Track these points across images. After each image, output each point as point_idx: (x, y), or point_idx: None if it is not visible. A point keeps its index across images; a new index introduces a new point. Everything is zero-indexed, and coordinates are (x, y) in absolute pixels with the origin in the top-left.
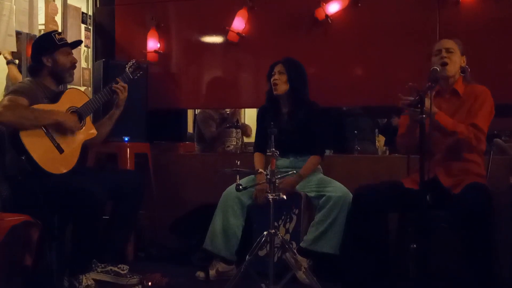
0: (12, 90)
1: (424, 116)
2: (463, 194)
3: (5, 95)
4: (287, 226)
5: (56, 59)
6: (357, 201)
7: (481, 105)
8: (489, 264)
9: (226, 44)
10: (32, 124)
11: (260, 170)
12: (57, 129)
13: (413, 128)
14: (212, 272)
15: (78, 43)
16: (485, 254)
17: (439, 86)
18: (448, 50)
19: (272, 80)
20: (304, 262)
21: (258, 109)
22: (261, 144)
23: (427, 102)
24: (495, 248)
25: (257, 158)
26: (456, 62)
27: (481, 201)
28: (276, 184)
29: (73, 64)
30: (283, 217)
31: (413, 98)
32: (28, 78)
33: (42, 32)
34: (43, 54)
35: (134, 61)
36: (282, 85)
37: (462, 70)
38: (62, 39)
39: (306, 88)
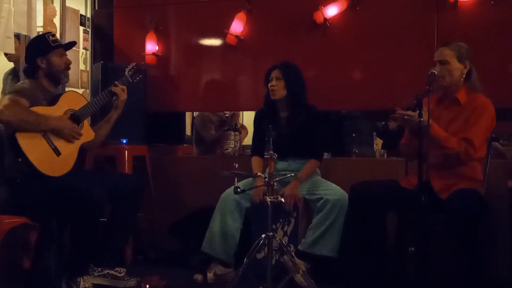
0: (13, 90)
1: (422, 119)
2: (450, 200)
3: (5, 94)
4: (285, 229)
5: (50, 61)
6: (354, 198)
7: (478, 118)
8: (477, 267)
9: (225, 47)
10: (32, 127)
11: (259, 174)
12: (55, 133)
13: (412, 137)
14: (210, 275)
15: (72, 44)
16: (473, 258)
17: (443, 93)
18: (441, 62)
19: (269, 85)
20: (302, 265)
21: (255, 112)
22: (258, 147)
23: (425, 114)
24: (488, 251)
25: (255, 161)
26: (452, 72)
27: (469, 208)
28: (280, 199)
29: (68, 65)
30: (281, 220)
31: (411, 102)
32: (27, 80)
33: None
34: (38, 56)
35: (133, 65)
36: (280, 91)
37: (467, 77)
38: (56, 41)
39: (304, 91)
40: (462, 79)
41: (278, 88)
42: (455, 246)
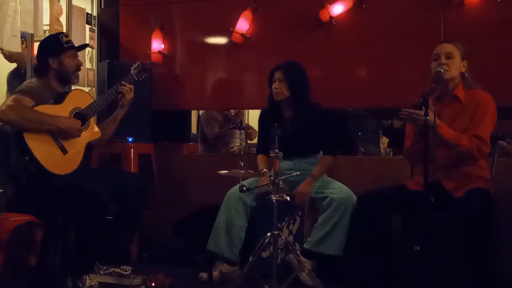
0: (19, 89)
1: (428, 118)
2: (465, 199)
3: (11, 94)
4: (290, 227)
5: (62, 61)
6: (362, 207)
7: (484, 113)
8: (489, 267)
9: (230, 45)
10: (34, 127)
11: (264, 170)
12: (60, 133)
13: (417, 141)
14: (215, 273)
15: (84, 46)
16: (485, 257)
17: (440, 90)
18: (447, 56)
19: (272, 87)
20: (307, 263)
21: (260, 112)
22: (263, 146)
23: (431, 113)
24: (496, 251)
25: (260, 159)
26: (455, 67)
27: (483, 207)
28: (286, 197)
29: (78, 67)
30: (286, 218)
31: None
32: (35, 79)
33: (47, 33)
34: (50, 56)
35: (139, 63)
36: (282, 93)
37: (462, 75)
38: (69, 42)
39: (307, 91)
40: (458, 77)
41: (281, 90)
42: (465, 245)
